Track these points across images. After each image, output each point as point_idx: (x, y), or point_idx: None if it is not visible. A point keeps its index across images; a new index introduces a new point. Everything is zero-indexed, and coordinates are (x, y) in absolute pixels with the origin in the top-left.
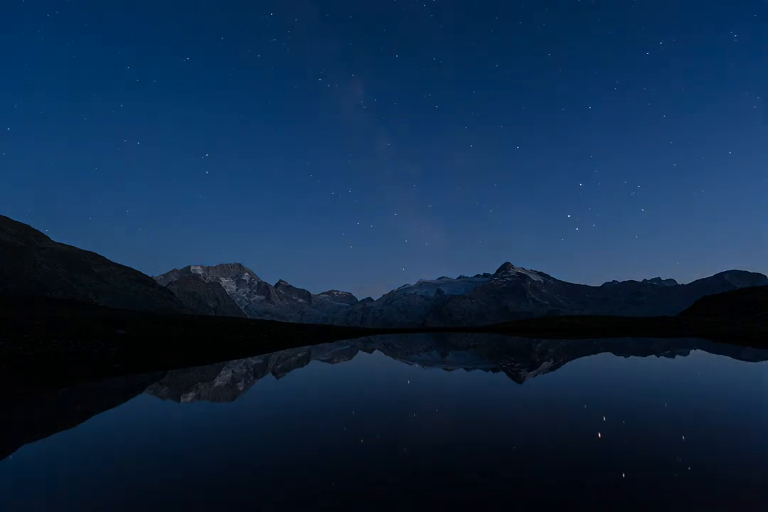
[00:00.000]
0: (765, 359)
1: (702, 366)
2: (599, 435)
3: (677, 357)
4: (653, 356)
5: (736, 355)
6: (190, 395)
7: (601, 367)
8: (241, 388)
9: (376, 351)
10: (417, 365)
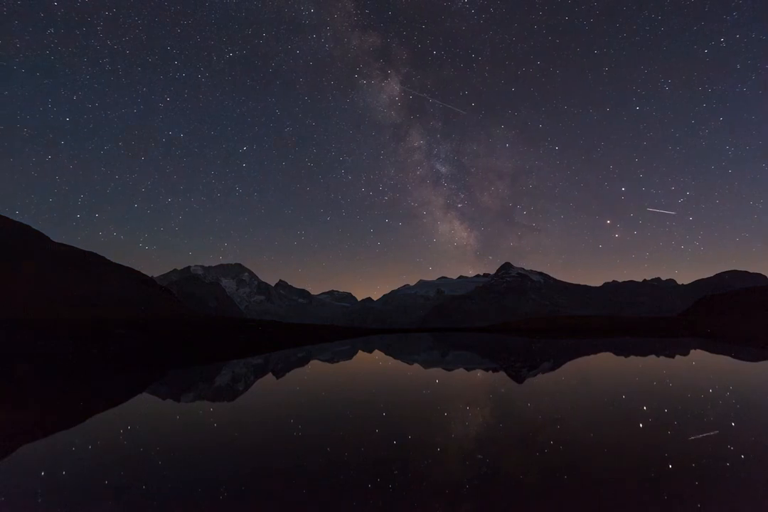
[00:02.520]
0: (764, 359)
1: (701, 367)
2: (600, 435)
3: (677, 357)
4: (653, 356)
5: (736, 355)
6: (191, 395)
7: (601, 368)
8: (241, 388)
9: (375, 352)
10: (417, 365)
